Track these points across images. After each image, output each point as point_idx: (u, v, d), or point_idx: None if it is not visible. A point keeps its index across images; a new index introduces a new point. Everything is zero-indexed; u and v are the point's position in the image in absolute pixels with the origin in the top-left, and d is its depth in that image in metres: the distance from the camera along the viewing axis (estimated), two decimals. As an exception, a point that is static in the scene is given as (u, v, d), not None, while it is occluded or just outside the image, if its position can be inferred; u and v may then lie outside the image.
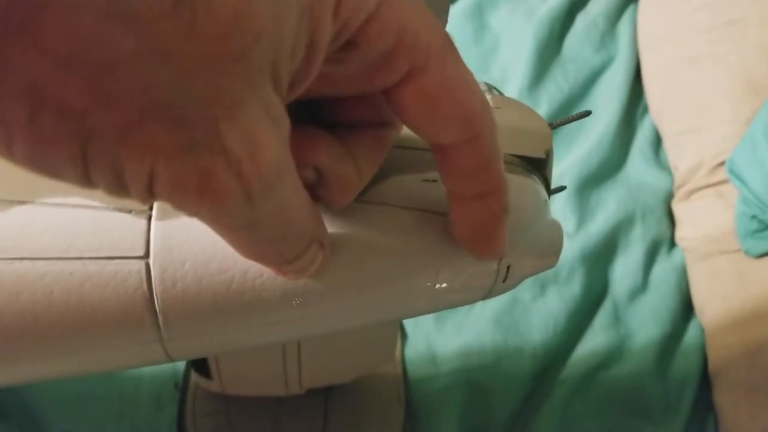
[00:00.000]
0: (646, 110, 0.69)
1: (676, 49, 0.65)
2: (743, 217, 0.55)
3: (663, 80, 0.65)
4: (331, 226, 0.24)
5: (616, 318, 0.59)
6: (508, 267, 0.28)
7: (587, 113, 0.34)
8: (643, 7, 0.71)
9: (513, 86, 0.69)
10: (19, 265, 0.22)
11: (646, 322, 0.59)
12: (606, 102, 0.68)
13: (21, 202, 0.23)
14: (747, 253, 0.55)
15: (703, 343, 0.57)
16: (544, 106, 0.67)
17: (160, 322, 0.24)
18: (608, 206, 0.62)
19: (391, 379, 0.56)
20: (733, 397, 0.54)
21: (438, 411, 0.54)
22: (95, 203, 0.23)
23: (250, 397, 0.53)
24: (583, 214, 0.62)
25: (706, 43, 0.62)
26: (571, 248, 0.60)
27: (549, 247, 0.30)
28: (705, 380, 0.56)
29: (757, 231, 0.54)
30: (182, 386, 0.56)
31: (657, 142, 0.67)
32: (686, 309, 0.59)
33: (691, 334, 0.58)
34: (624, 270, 0.61)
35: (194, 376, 0.54)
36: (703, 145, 0.60)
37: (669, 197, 0.64)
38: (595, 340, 0.58)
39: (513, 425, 0.55)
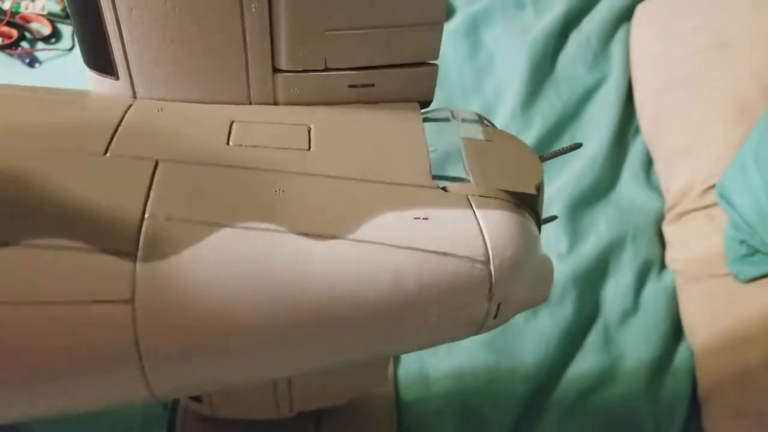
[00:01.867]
0: (637, 131, 0.69)
1: (669, 70, 0.65)
2: (733, 241, 0.56)
3: (655, 101, 0.65)
4: (326, 265, 0.24)
5: (607, 339, 0.59)
6: (499, 304, 0.28)
7: (578, 145, 0.34)
8: (636, 27, 0.71)
9: (506, 104, 0.69)
10: (0, 309, 0.22)
11: (636, 344, 0.59)
12: (598, 122, 0.68)
13: (3, 245, 0.22)
14: (736, 277, 0.55)
15: (692, 366, 0.57)
16: (537, 124, 0.67)
17: (145, 365, 0.24)
18: (600, 227, 0.62)
19: (383, 401, 0.55)
20: (722, 422, 0.54)
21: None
22: (80, 245, 0.23)
23: (240, 420, 0.52)
24: (575, 236, 0.62)
25: (699, 65, 0.62)
26: (563, 269, 0.60)
27: (540, 283, 0.30)
28: (694, 403, 0.56)
29: (746, 255, 0.54)
30: (171, 409, 0.55)
31: (648, 163, 0.67)
32: (676, 331, 0.59)
33: (680, 357, 0.58)
34: (615, 291, 0.61)
35: (184, 399, 0.54)
36: (694, 167, 0.60)
37: (660, 219, 0.64)
38: (586, 361, 0.58)
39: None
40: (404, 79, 0.31)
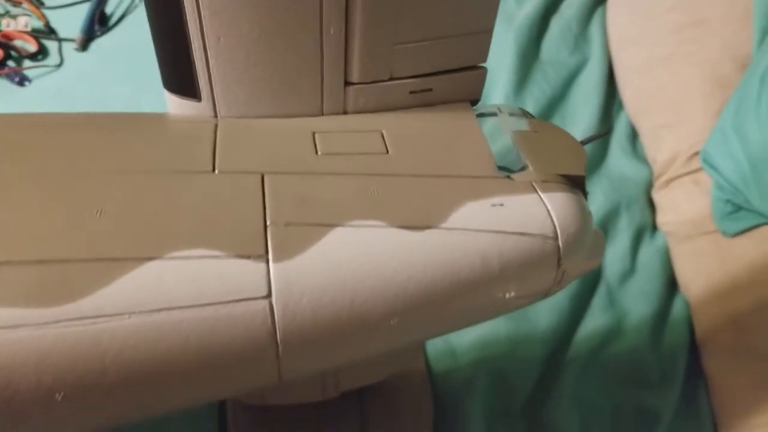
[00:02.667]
0: (621, 106, 0.74)
1: (647, 49, 0.70)
2: (718, 201, 0.61)
3: (637, 79, 0.71)
4: (425, 252, 0.28)
5: (611, 300, 0.65)
6: (563, 272, 0.32)
7: (609, 130, 0.38)
8: (611, 9, 0.76)
9: (499, 91, 0.73)
10: (157, 315, 0.25)
11: (637, 302, 0.64)
12: (584, 101, 0.73)
13: (150, 258, 0.25)
14: (724, 233, 0.61)
15: (689, 317, 0.63)
16: (529, 108, 0.72)
17: (280, 352, 0.27)
18: (596, 199, 0.68)
19: (417, 375, 0.59)
20: (719, 363, 0.60)
21: (463, 400, 0.58)
22: (216, 252, 0.26)
23: (288, 405, 0.55)
24: (575, 208, 0.67)
25: (676, 43, 0.67)
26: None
27: (595, 252, 0.34)
28: (693, 350, 0.62)
29: (731, 213, 0.60)
30: (220, 402, 0.58)
31: (633, 135, 0.72)
32: (671, 287, 0.65)
33: (677, 309, 0.64)
34: (614, 256, 0.66)
35: (231, 391, 0.57)
36: (678, 138, 0.65)
37: (649, 186, 0.69)
38: (594, 321, 0.63)
39: (530, 406, 0.59)
40: (458, 82, 0.34)
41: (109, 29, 0.79)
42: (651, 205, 0.69)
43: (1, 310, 0.23)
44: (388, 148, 0.32)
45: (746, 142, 0.58)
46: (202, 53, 0.30)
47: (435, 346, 0.61)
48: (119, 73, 0.75)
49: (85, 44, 0.80)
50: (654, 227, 0.68)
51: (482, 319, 0.32)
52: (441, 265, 0.28)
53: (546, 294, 0.33)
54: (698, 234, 0.63)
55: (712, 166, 0.61)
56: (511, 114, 0.35)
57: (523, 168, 0.32)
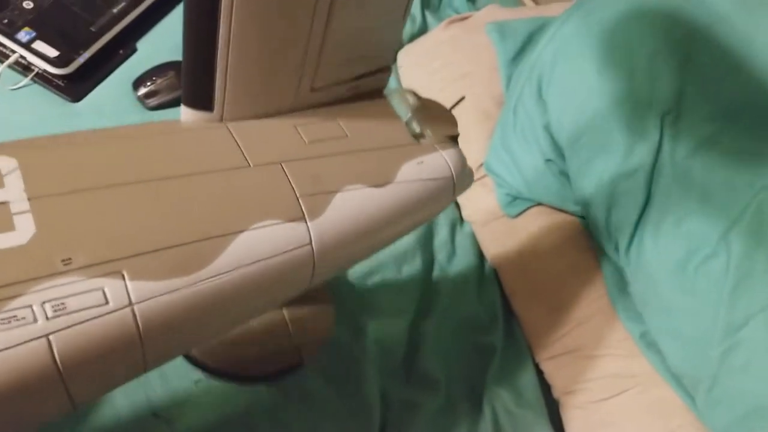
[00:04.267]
0: (422, 139, 0.99)
1: (433, 97, 0.97)
2: (501, 195, 0.88)
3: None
4: (388, 198, 0.46)
5: (443, 274, 0.87)
6: (454, 194, 0.52)
7: (462, 98, 0.60)
8: (402, 69, 1.02)
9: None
10: (253, 266, 0.39)
11: (462, 273, 0.88)
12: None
13: (241, 231, 0.39)
14: (508, 215, 0.88)
15: (497, 276, 0.88)
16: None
17: (315, 272, 0.43)
18: (421, 204, 0.91)
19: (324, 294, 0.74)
20: (522, 303, 0.85)
21: (362, 365, 0.75)
22: (277, 221, 0.41)
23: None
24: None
25: (451, 91, 0.94)
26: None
27: (468, 179, 0.53)
28: (504, 298, 0.87)
29: (510, 201, 0.88)
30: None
31: (434, 158, 0.98)
32: (481, 258, 0.90)
33: (488, 273, 0.89)
34: (440, 243, 0.89)
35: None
36: (467, 156, 0.91)
37: (453, 192, 0.95)
38: (437, 292, 0.85)
39: (407, 361, 0.78)
40: (375, 79, 0.51)
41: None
42: (457, 205, 0.94)
43: (162, 282, 0.35)
44: (347, 132, 0.47)
45: (511, 154, 0.86)
46: (224, 72, 0.40)
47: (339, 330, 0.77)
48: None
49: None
50: (462, 220, 0.93)
51: (414, 227, 0.51)
52: (398, 205, 0.46)
53: (444, 208, 0.52)
54: (492, 219, 0.89)
55: (493, 172, 0.89)
56: (407, 92, 0.54)
57: (422, 134, 0.51)
